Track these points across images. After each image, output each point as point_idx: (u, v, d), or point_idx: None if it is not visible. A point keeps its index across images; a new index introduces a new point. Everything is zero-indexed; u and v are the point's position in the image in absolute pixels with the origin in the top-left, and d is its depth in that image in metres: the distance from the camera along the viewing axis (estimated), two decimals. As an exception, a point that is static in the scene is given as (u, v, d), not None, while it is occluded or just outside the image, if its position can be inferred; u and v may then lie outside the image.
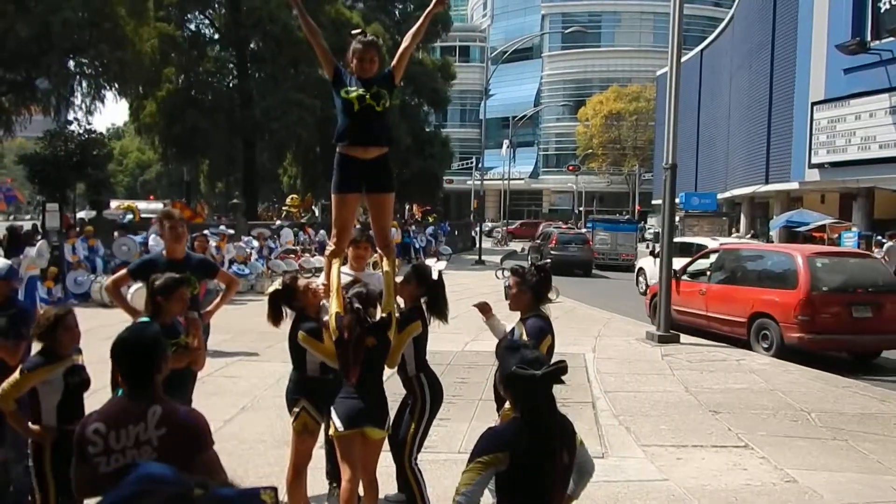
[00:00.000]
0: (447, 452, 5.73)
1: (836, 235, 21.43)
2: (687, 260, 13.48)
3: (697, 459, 5.79)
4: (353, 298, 3.82)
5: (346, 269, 4.42)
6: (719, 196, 35.95)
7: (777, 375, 8.91)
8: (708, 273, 12.42)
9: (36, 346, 3.81)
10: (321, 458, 4.59)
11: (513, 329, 4.02)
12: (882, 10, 21.10)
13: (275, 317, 4.23)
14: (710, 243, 16.19)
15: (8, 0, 20.35)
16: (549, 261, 5.21)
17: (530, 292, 3.96)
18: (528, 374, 2.49)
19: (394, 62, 4.28)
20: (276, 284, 4.35)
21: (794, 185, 25.86)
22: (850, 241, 20.32)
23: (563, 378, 2.54)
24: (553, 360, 2.62)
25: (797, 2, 25.74)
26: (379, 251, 4.38)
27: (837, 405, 7.56)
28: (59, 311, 3.66)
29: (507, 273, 4.48)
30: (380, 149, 4.16)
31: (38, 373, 3.49)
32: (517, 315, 4.17)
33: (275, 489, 1.45)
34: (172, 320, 4.09)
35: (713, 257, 12.79)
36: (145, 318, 4.00)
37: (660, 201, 15.56)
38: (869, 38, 21.28)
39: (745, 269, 11.85)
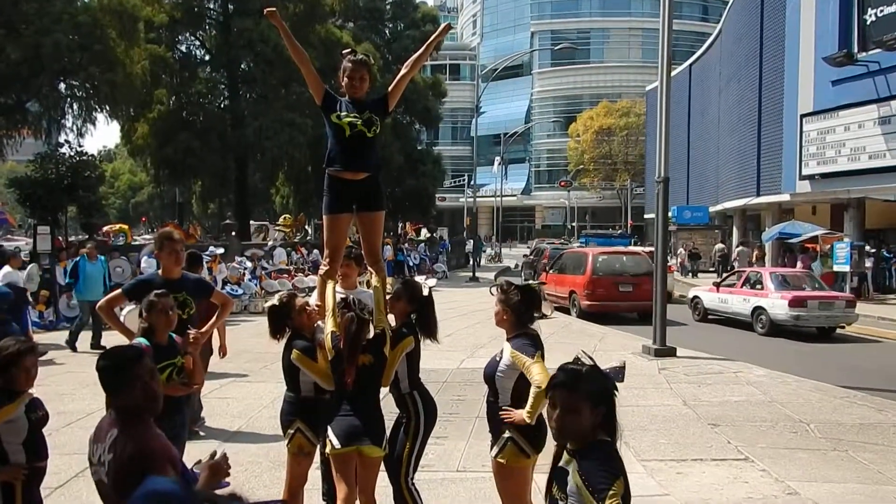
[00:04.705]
0: (444, 471, 5.66)
1: (829, 246, 21.50)
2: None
3: (698, 473, 5.73)
4: (347, 305, 3.82)
5: (337, 287, 4.38)
6: (711, 209, 36.10)
7: (775, 387, 8.88)
8: (558, 267, 19.07)
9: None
10: (317, 479, 4.51)
11: (501, 350, 3.92)
12: (868, 22, 21.32)
13: (275, 330, 4.18)
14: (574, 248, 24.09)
15: (-2, 24, 20.39)
16: (540, 282, 5.14)
17: (511, 312, 3.86)
18: (612, 383, 2.41)
19: (390, 88, 4.26)
20: (275, 299, 4.31)
21: (785, 197, 25.96)
22: (842, 251, 20.39)
23: None
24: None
25: (784, 15, 26.00)
26: (370, 269, 4.36)
27: (836, 415, 7.53)
28: (15, 349, 3.35)
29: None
30: (369, 173, 4.16)
31: None
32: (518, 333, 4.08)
33: (285, 502, 1.42)
34: (170, 340, 4.03)
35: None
36: (141, 339, 3.94)
37: (652, 215, 15.95)
38: (856, 50, 21.45)
39: (569, 264, 18.47)
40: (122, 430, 2.43)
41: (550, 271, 19.40)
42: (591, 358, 2.47)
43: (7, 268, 11.17)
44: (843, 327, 14.87)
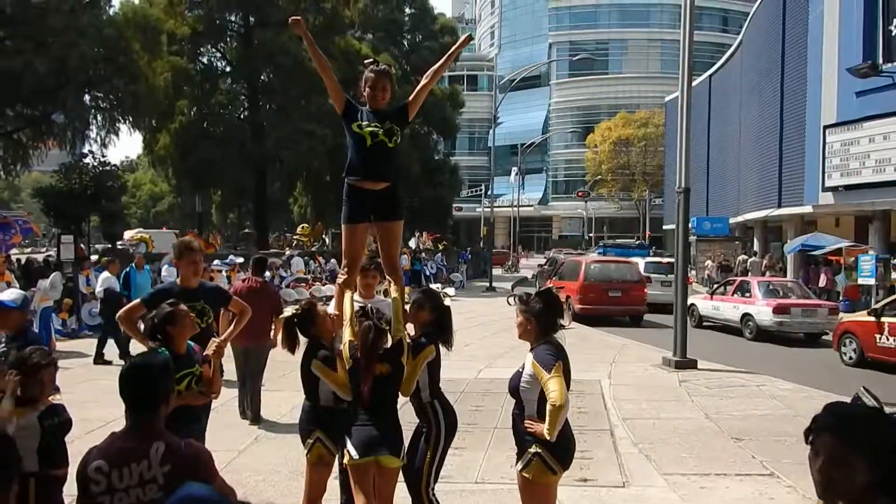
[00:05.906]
0: (463, 482, 5.61)
1: (853, 259, 21.16)
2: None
3: (721, 488, 5.63)
4: (364, 314, 3.81)
5: (355, 296, 4.37)
6: (731, 220, 35.73)
7: (799, 401, 8.72)
8: (559, 275, 20.56)
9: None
10: (336, 489, 4.49)
11: (523, 364, 3.84)
12: (894, 33, 21.08)
13: (290, 342, 4.17)
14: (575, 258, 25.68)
15: (26, 37, 20.77)
16: (552, 286, 5.06)
17: (535, 321, 3.80)
18: None
19: (411, 97, 4.25)
20: (291, 310, 4.29)
21: (807, 209, 25.63)
22: (867, 264, 20.06)
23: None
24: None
25: (807, 26, 25.77)
26: (388, 278, 4.34)
27: (863, 431, 7.37)
28: (35, 361, 3.34)
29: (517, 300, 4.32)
30: (389, 183, 4.15)
31: None
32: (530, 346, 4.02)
33: None
34: (188, 349, 4.01)
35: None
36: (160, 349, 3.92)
37: (671, 226, 15.98)
38: (881, 61, 21.19)
39: (567, 271, 20.12)
40: (169, 440, 2.46)
41: (553, 278, 20.42)
42: (874, 398, 1.92)
43: (106, 273, 11.89)
44: (827, 333, 15.30)
